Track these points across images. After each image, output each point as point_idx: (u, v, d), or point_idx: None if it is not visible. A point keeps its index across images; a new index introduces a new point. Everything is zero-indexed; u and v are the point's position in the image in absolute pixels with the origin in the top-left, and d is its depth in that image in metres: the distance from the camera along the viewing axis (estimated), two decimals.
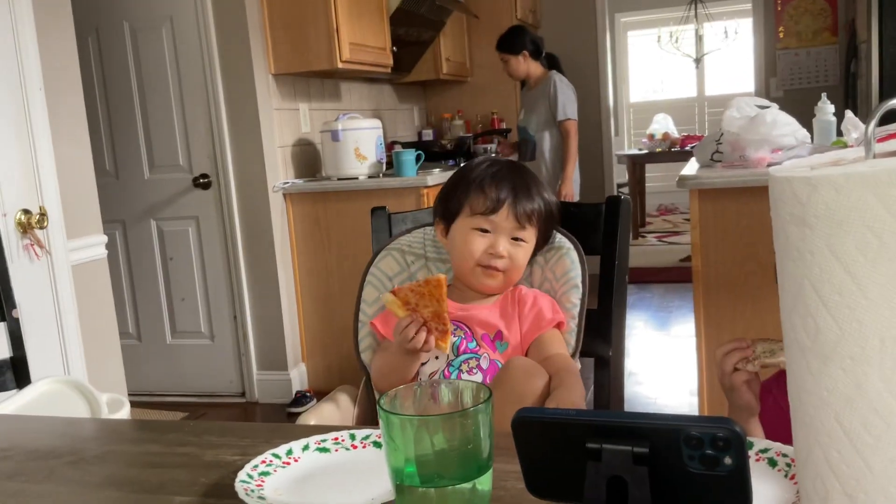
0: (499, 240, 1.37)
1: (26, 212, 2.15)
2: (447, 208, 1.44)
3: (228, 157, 3.47)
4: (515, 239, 1.38)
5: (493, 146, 4.98)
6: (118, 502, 0.84)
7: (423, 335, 1.26)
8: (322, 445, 0.90)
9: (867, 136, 0.48)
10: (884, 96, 4.65)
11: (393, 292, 1.29)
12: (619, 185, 6.90)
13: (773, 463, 0.78)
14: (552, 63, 4.29)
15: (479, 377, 1.35)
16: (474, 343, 1.38)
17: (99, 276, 2.53)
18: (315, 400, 3.48)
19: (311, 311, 3.64)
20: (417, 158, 3.79)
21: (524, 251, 1.40)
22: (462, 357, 1.37)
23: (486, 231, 1.37)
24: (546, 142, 4.12)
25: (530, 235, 1.40)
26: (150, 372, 3.76)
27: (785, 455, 0.78)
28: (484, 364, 1.36)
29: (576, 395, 1.24)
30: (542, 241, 1.45)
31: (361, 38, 3.66)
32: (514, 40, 4.15)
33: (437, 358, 1.38)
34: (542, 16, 6.13)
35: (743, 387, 1.05)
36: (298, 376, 3.65)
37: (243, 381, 3.68)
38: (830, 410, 0.46)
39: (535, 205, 1.40)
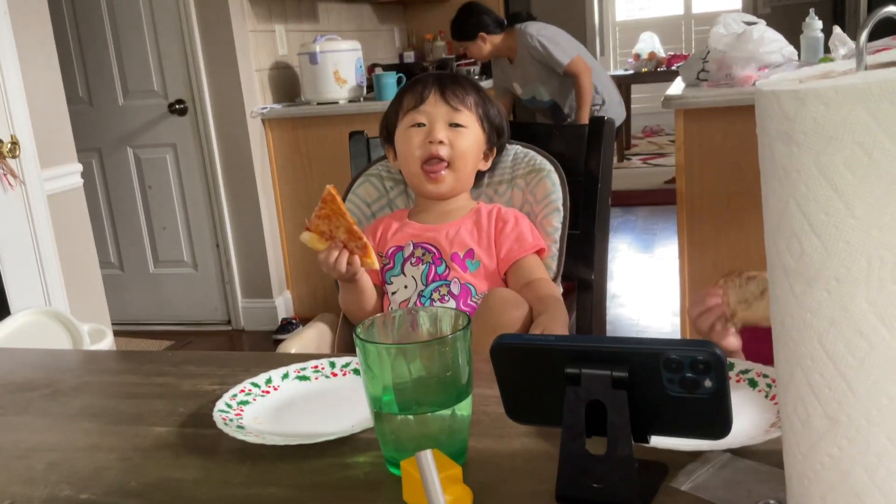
0: (434, 126, 1.34)
1: None
2: (387, 129, 1.42)
3: (204, 82, 3.38)
4: (454, 125, 1.35)
5: (475, 68, 4.89)
6: (95, 434, 0.83)
7: (343, 259, 1.24)
8: (302, 374, 0.89)
9: (859, 47, 0.46)
10: (873, 10, 4.57)
11: (307, 228, 1.24)
12: None
13: (753, 384, 0.78)
14: (515, 18, 3.70)
15: (451, 305, 1.30)
16: (443, 266, 1.34)
17: (76, 206, 2.49)
18: (301, 326, 3.49)
19: (295, 238, 3.62)
20: (399, 81, 3.71)
21: (465, 137, 1.35)
22: (431, 285, 1.34)
23: (421, 125, 1.35)
24: (571, 98, 3.57)
25: (469, 119, 1.36)
26: (134, 301, 3.75)
27: (766, 376, 0.78)
28: (455, 289, 1.33)
29: (559, 323, 1.23)
30: (491, 137, 1.41)
31: None
32: (465, 26, 3.60)
33: (405, 287, 1.35)
34: None
35: (721, 341, 1.02)
36: (284, 303, 3.65)
37: (228, 309, 3.68)
38: (814, 332, 0.45)
39: (466, 89, 1.37)
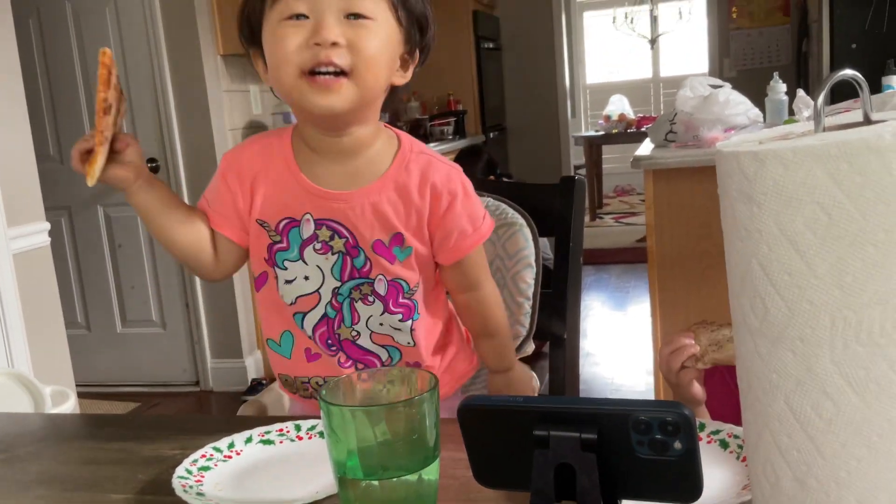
0: (322, 19, 0.88)
1: None
2: (249, 23, 0.98)
3: (177, 141, 3.38)
4: (353, 16, 0.89)
5: (449, 128, 4.95)
6: (50, 501, 0.80)
7: (76, 151, 0.90)
8: (266, 437, 0.87)
9: (817, 109, 0.46)
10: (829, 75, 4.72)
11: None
12: (577, 167, 6.92)
13: (724, 445, 0.77)
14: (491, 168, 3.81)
15: (378, 307, 1.00)
16: (362, 258, 0.98)
17: (42, 264, 2.45)
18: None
19: None
20: None
21: (374, 33, 0.90)
22: (349, 283, 0.99)
23: (302, 17, 0.89)
24: None
25: (376, 4, 0.90)
26: (101, 362, 3.67)
27: (737, 437, 0.77)
28: (381, 288, 0.99)
29: (519, 373, 1.14)
30: (410, 33, 0.96)
31: None
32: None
33: (306, 279, 0.99)
34: None
35: (690, 383, 1.03)
36: (254, 363, 3.60)
37: (197, 369, 3.62)
38: (780, 393, 0.44)
39: None
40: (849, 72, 0.47)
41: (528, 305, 1.40)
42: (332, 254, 0.97)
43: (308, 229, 0.97)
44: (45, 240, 2.45)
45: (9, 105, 2.32)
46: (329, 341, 1.02)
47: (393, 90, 0.99)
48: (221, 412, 3.37)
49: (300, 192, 0.97)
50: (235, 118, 3.55)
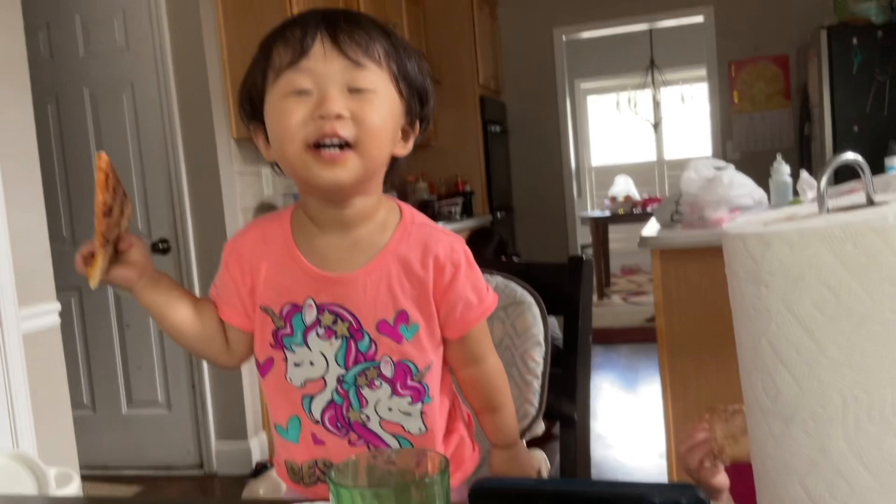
0: (326, 93, 0.88)
1: None
2: (250, 99, 0.96)
3: (189, 222, 3.43)
4: (356, 91, 0.90)
5: (457, 208, 5.01)
6: None
7: (79, 255, 0.94)
8: None
9: (820, 191, 0.48)
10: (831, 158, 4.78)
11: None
12: (583, 247, 6.96)
13: None
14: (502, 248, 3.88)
15: (385, 391, 0.98)
16: (366, 341, 0.96)
17: (52, 345, 2.45)
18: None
19: None
20: None
21: (377, 106, 0.90)
22: (354, 369, 0.97)
23: (304, 92, 0.89)
24: None
25: (379, 80, 0.91)
26: (105, 444, 3.63)
27: None
28: (387, 371, 0.98)
29: (523, 449, 1.12)
30: (411, 104, 0.97)
31: None
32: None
33: (312, 364, 0.98)
34: (504, 81, 6.26)
35: (710, 480, 1.01)
36: (259, 445, 3.55)
37: (201, 451, 3.57)
38: (794, 474, 0.44)
39: (370, 32, 0.93)
40: (850, 155, 0.48)
41: (536, 384, 1.39)
42: (336, 338, 0.96)
43: (310, 315, 0.96)
44: (55, 320, 2.46)
45: (25, 187, 2.36)
46: (339, 424, 1.00)
47: (394, 161, 0.99)
48: (226, 495, 3.31)
49: (301, 276, 0.96)
50: (247, 199, 3.60)
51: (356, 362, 0.97)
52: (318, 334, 0.97)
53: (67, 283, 3.42)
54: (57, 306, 2.47)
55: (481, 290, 1.01)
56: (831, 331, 0.42)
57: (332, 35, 0.89)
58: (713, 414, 0.99)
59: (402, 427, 1.01)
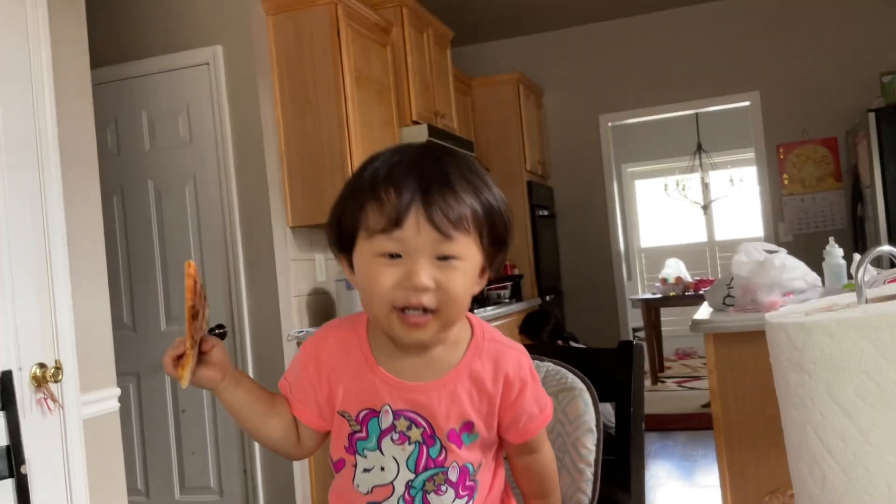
0: (416, 265, 0.92)
1: (42, 365, 2.16)
2: (340, 231, 0.99)
3: (244, 307, 3.51)
4: (443, 258, 0.94)
5: (506, 292, 5.03)
6: None
7: (167, 357, 0.98)
8: None
9: (857, 282, 0.49)
10: (893, 238, 4.71)
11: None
12: (635, 330, 6.88)
13: None
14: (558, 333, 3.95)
15: (450, 496, 1.01)
16: (438, 447, 1.00)
17: (110, 431, 2.50)
18: None
19: (324, 462, 3.56)
20: None
21: (461, 273, 0.95)
22: (424, 474, 1.00)
23: (395, 256, 0.93)
24: None
25: (465, 247, 0.95)
26: None
27: None
28: (453, 476, 1.01)
29: None
30: (495, 248, 1.00)
31: None
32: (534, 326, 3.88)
33: (382, 469, 1.01)
34: (551, 166, 6.35)
35: None
36: None
37: None
38: None
39: (462, 198, 0.94)
40: (885, 248, 0.50)
41: (589, 472, 1.38)
42: (410, 444, 1.00)
43: (387, 420, 1.00)
44: (115, 406, 2.52)
45: (91, 275, 2.46)
46: None
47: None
48: None
49: (379, 384, 1.01)
50: (301, 285, 3.68)
51: (426, 468, 1.01)
52: (392, 439, 1.01)
53: (127, 369, 3.51)
54: (117, 392, 2.53)
55: (542, 401, 1.07)
56: (874, 418, 0.43)
57: (427, 209, 0.92)
58: (773, 496, 1.00)
59: None
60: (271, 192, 3.51)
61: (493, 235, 0.99)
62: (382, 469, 1.01)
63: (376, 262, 0.94)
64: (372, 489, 1.02)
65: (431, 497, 1.01)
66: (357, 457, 1.02)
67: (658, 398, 6.22)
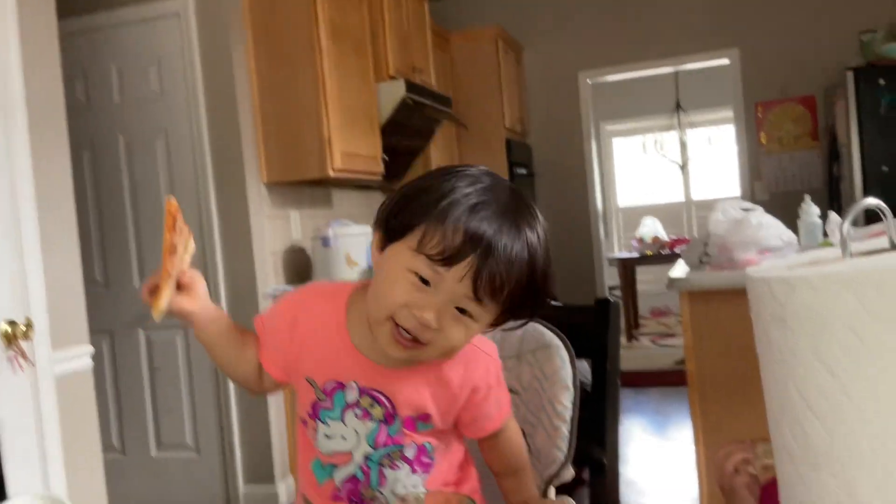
0: (434, 303, 0.92)
1: (12, 323, 2.13)
2: (393, 221, 0.97)
3: (219, 265, 3.47)
4: (461, 310, 0.93)
5: None
6: None
7: (145, 287, 1.00)
8: None
9: (843, 236, 0.48)
10: (867, 196, 4.74)
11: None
12: (611, 288, 6.92)
13: None
14: None
15: (405, 471, 1.05)
16: (396, 427, 1.03)
17: (83, 388, 2.48)
18: None
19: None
20: None
21: (466, 328, 0.95)
22: (381, 450, 1.04)
23: (425, 283, 0.92)
24: None
25: (487, 312, 0.95)
26: (135, 486, 3.64)
27: None
28: (409, 453, 1.05)
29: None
30: (510, 317, 1.00)
31: (353, 147, 3.73)
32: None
33: (343, 438, 1.04)
34: (530, 125, 6.31)
35: (743, 490, 1.02)
36: (286, 490, 3.54)
37: (229, 494, 3.56)
38: None
39: (517, 275, 0.92)
40: (872, 200, 0.48)
41: (565, 429, 1.38)
42: (371, 421, 1.03)
43: (352, 395, 1.03)
44: (88, 363, 2.49)
45: (61, 232, 2.41)
46: (353, 499, 1.06)
47: None
48: None
49: (349, 360, 1.02)
50: (276, 243, 3.64)
51: (385, 445, 1.03)
52: (355, 414, 1.03)
53: (100, 327, 3.47)
54: (90, 349, 2.50)
55: (503, 404, 1.09)
56: (858, 374, 0.42)
57: (480, 269, 0.90)
58: (758, 439, 1.02)
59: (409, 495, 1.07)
60: (245, 147, 3.45)
61: (518, 311, 0.99)
62: (344, 438, 1.04)
63: (404, 275, 0.93)
64: (332, 453, 1.05)
65: (387, 471, 1.04)
66: (319, 423, 1.05)
67: (633, 355, 6.28)
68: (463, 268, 0.90)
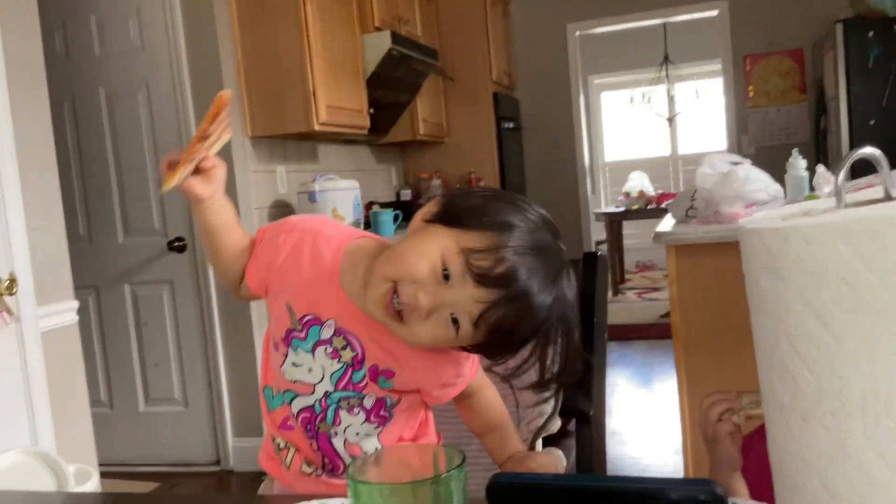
0: (441, 299, 0.91)
1: None
2: (461, 210, 0.94)
3: None
4: (453, 319, 0.92)
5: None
6: None
7: (165, 160, 1.01)
8: None
9: (837, 186, 0.47)
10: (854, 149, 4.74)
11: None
12: (598, 243, 6.94)
13: None
14: None
15: (360, 418, 1.06)
16: (362, 375, 1.03)
17: (69, 343, 2.47)
18: None
19: None
20: (395, 218, 3.80)
21: (441, 338, 0.94)
22: (341, 392, 1.04)
23: (445, 270, 0.90)
24: None
25: (470, 337, 0.93)
26: (123, 441, 3.66)
27: None
28: (368, 403, 1.05)
29: (526, 452, 1.16)
30: (481, 351, 0.99)
31: (338, 100, 3.69)
32: None
33: (309, 371, 1.04)
34: (518, 78, 6.24)
35: (727, 438, 1.03)
36: None
37: (218, 448, 3.59)
38: (813, 471, 0.44)
39: (524, 331, 0.92)
40: (868, 149, 0.48)
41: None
42: (339, 362, 1.03)
43: (327, 332, 1.03)
44: (73, 318, 2.48)
45: (42, 187, 2.38)
46: (308, 427, 1.07)
47: None
48: (242, 492, 3.33)
49: (334, 300, 1.02)
50: (262, 198, 3.61)
51: (345, 388, 1.04)
52: (326, 351, 1.03)
53: (85, 282, 3.45)
54: (75, 304, 2.49)
55: (463, 373, 1.07)
56: (850, 326, 0.42)
57: (494, 307, 0.89)
58: (743, 391, 1.03)
59: (361, 449, 1.08)
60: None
61: (498, 350, 0.96)
62: (310, 370, 1.04)
63: (434, 258, 0.91)
64: (295, 381, 1.05)
65: (343, 413, 1.05)
66: (290, 350, 1.05)
67: (618, 309, 6.33)
68: (485, 293, 0.89)
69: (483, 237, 0.90)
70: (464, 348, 0.99)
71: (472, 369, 1.10)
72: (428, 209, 0.98)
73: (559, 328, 0.93)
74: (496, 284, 0.88)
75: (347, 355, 1.02)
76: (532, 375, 0.98)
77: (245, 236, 1.11)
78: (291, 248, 1.05)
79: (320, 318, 1.03)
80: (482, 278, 0.88)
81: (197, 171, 1.01)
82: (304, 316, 1.03)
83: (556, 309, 0.92)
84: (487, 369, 1.08)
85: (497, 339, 0.92)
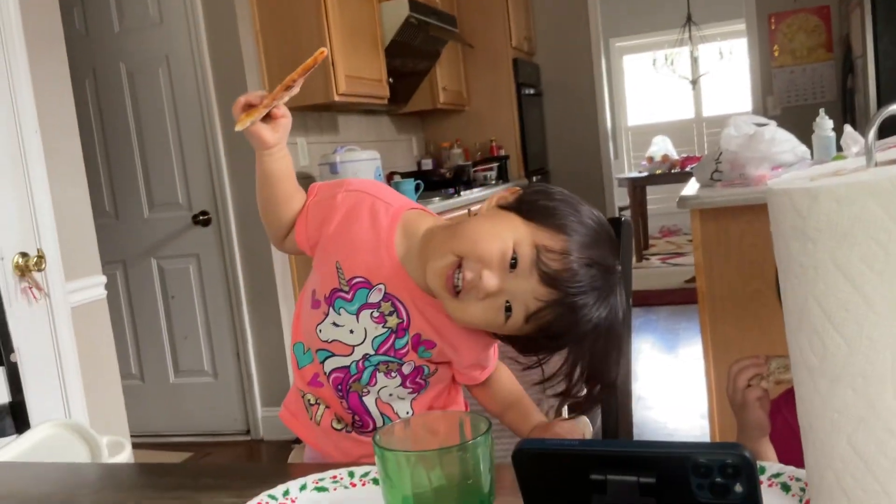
0: (503, 284, 0.92)
1: (24, 255, 2.14)
2: (540, 206, 0.95)
3: (228, 193, 3.46)
4: (507, 306, 0.93)
5: (492, 173, 4.98)
6: None
7: (241, 100, 1.01)
8: (320, 485, 0.87)
9: (867, 145, 0.46)
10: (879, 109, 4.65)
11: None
12: (621, 209, 6.90)
13: (786, 488, 0.75)
14: None
15: (396, 382, 1.06)
16: (405, 342, 1.03)
17: (99, 317, 2.51)
18: None
19: None
20: (417, 188, 3.79)
21: (491, 321, 0.95)
22: (381, 356, 1.04)
23: (513, 258, 0.91)
24: None
25: (518, 327, 0.95)
26: (154, 412, 3.72)
27: (798, 479, 0.75)
28: (406, 370, 1.06)
29: (550, 423, 1.14)
30: (526, 349, 1.01)
31: (357, 70, 3.67)
32: None
33: (351, 332, 1.04)
34: (537, 43, 6.17)
35: (755, 404, 1.03)
36: None
37: (248, 418, 3.64)
38: (842, 433, 0.44)
39: (572, 335, 0.94)
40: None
41: None
42: (384, 327, 1.03)
43: (375, 296, 1.03)
44: (101, 293, 2.51)
45: (67, 163, 2.40)
46: (339, 387, 1.08)
47: None
48: (272, 460, 3.38)
49: (387, 265, 1.02)
50: None
51: (386, 353, 1.04)
52: (371, 315, 1.03)
53: (112, 257, 3.49)
54: (103, 279, 2.52)
55: (492, 359, 1.11)
56: (881, 287, 0.41)
57: (550, 306, 0.91)
58: (772, 355, 1.03)
59: (392, 409, 1.09)
60: (248, 72, 3.39)
61: (535, 348, 0.99)
62: (352, 332, 1.04)
63: (507, 243, 0.92)
64: (332, 341, 1.05)
65: (380, 375, 1.06)
66: (332, 310, 1.05)
67: (642, 275, 6.30)
68: (547, 292, 0.91)
69: (558, 239, 0.91)
70: (499, 336, 1.01)
71: (495, 356, 1.12)
72: (504, 196, 0.99)
73: (602, 340, 0.95)
74: (559, 287, 0.90)
75: (393, 321, 1.02)
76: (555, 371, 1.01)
77: (299, 190, 1.11)
78: (349, 209, 1.05)
79: (370, 282, 1.02)
80: (548, 277, 0.90)
81: (266, 117, 1.02)
82: (354, 278, 1.03)
83: (604, 324, 0.94)
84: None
85: (541, 337, 0.95)
